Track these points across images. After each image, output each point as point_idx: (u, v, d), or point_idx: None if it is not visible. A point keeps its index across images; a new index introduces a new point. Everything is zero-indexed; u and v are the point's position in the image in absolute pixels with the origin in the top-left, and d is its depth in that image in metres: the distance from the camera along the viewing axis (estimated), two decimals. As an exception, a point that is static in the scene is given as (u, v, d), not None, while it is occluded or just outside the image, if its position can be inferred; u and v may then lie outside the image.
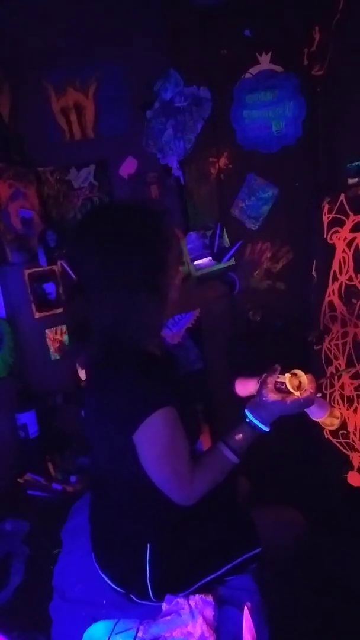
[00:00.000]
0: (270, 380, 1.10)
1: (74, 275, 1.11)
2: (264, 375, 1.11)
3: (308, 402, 1.08)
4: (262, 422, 1.09)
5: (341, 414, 1.26)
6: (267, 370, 1.12)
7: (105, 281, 1.01)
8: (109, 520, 1.22)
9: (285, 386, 1.08)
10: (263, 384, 1.10)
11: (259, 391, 1.10)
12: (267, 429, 1.09)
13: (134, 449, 1.03)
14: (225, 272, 1.63)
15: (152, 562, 1.14)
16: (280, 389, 1.10)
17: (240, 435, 1.10)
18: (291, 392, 1.08)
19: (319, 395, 1.13)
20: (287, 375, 1.09)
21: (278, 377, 1.11)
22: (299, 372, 1.09)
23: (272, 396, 1.08)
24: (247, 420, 1.09)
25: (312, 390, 1.07)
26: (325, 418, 1.20)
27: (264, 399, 1.09)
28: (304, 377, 1.09)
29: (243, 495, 1.45)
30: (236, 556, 1.19)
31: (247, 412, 1.10)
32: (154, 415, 1.00)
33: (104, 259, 1.01)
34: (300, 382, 1.09)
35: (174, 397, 1.03)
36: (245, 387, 1.25)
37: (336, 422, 1.23)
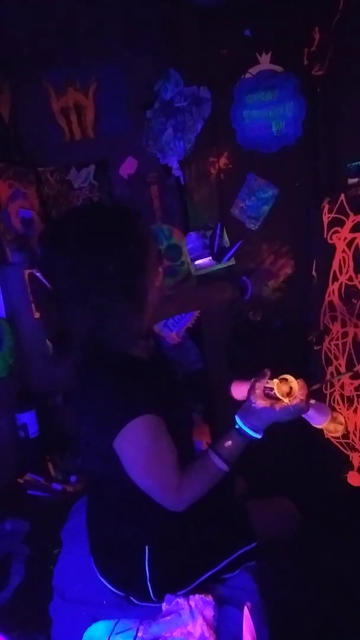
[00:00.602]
0: (259, 386, 1.05)
1: (47, 284, 1.09)
2: (252, 380, 1.07)
3: (298, 409, 1.03)
4: (252, 429, 1.05)
5: (345, 420, 1.20)
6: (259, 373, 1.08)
7: (78, 287, 0.98)
8: (105, 523, 1.22)
9: (275, 393, 1.03)
10: (251, 390, 1.06)
11: (248, 397, 1.06)
12: (258, 436, 1.05)
13: (117, 455, 1.03)
14: (237, 275, 1.59)
15: (152, 564, 1.14)
16: (269, 395, 1.04)
17: (230, 443, 1.06)
18: (280, 400, 1.03)
19: (313, 401, 1.07)
20: (276, 380, 1.04)
21: (267, 383, 1.06)
22: (289, 377, 1.04)
23: (260, 402, 1.03)
24: (237, 427, 1.06)
25: (302, 397, 1.02)
26: (327, 424, 1.15)
27: (252, 405, 1.04)
28: (294, 383, 1.03)
29: (240, 495, 1.45)
30: (232, 551, 1.19)
31: (236, 418, 1.07)
32: (131, 424, 0.98)
33: (75, 264, 0.97)
34: (290, 388, 1.03)
35: (155, 405, 1.01)
36: (240, 391, 1.21)
37: (340, 429, 1.17)
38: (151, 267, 1.04)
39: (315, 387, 1.10)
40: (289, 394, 1.03)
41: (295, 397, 1.02)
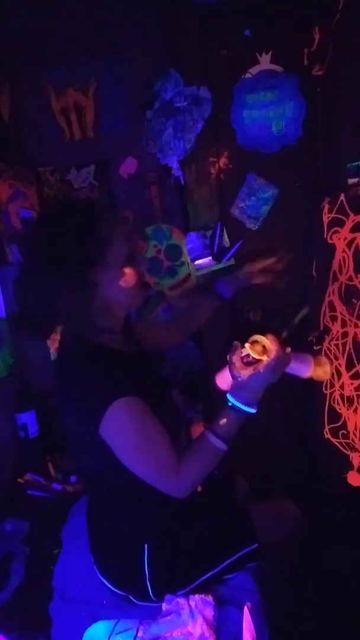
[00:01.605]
0: (236, 358, 1.08)
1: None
2: (227, 357, 1.10)
3: (280, 361, 1.06)
4: (245, 404, 1.06)
5: (328, 361, 1.22)
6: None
7: (34, 270, 1.07)
8: (104, 522, 1.23)
9: (252, 356, 1.06)
10: (231, 365, 1.08)
11: (231, 373, 1.08)
12: (253, 411, 1.07)
13: (106, 445, 1.03)
14: (218, 276, 1.56)
15: (151, 563, 1.14)
16: (249, 362, 1.07)
17: (225, 420, 1.08)
18: (260, 360, 1.05)
19: (288, 350, 1.10)
20: (247, 345, 1.07)
21: (241, 352, 1.08)
22: (258, 337, 1.08)
23: (244, 372, 1.06)
24: (230, 404, 1.07)
25: (277, 348, 1.05)
26: (314, 371, 1.18)
27: (239, 379, 1.06)
28: (264, 340, 1.07)
29: (242, 497, 1.45)
30: (234, 552, 1.19)
31: (228, 396, 1.08)
32: (111, 408, 0.99)
33: (36, 248, 1.07)
34: (263, 346, 1.06)
35: (133, 388, 1.02)
36: (225, 379, 1.22)
37: (328, 369, 1.20)
38: (110, 264, 1.07)
39: (284, 334, 1.12)
40: (264, 352, 1.06)
41: (271, 350, 1.05)
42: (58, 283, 1.03)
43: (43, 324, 1.11)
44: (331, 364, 1.67)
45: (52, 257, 1.04)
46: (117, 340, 1.16)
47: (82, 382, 1.05)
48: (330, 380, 1.68)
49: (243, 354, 1.08)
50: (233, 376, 1.08)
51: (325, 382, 1.70)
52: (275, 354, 1.05)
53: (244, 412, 1.07)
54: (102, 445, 1.03)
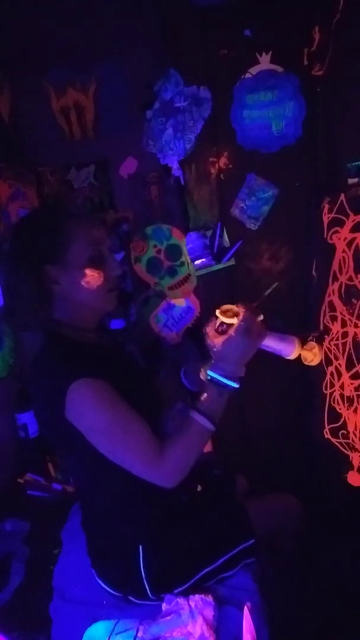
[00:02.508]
0: (210, 329, 1.12)
1: None
2: (203, 330, 1.14)
3: (250, 323, 1.08)
4: (225, 376, 1.05)
5: (317, 344, 1.28)
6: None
7: (7, 262, 1.13)
8: (97, 526, 1.23)
9: (225, 323, 1.10)
10: (207, 337, 1.12)
11: (207, 345, 1.11)
12: (233, 385, 1.06)
13: (78, 431, 1.02)
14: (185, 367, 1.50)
15: (146, 563, 1.15)
16: (223, 330, 1.11)
17: (205, 395, 1.07)
18: (231, 324, 1.09)
19: (260, 317, 1.13)
20: (218, 312, 1.12)
21: (215, 323, 1.13)
22: (227, 305, 1.12)
23: (217, 341, 1.08)
24: (209, 377, 1.07)
25: (244, 310, 1.09)
26: (299, 351, 1.21)
27: (214, 349, 1.08)
28: (233, 307, 1.12)
29: (242, 496, 1.45)
30: (230, 548, 1.19)
31: (207, 370, 1.08)
32: (72, 388, 0.99)
33: (9, 245, 1.15)
34: (233, 313, 1.11)
35: (97, 373, 1.02)
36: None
37: (317, 351, 1.25)
38: (70, 264, 1.09)
39: (254, 304, 1.15)
40: (235, 317, 1.10)
41: (239, 313, 1.09)
42: (14, 275, 1.09)
43: (22, 317, 1.14)
44: (332, 363, 1.67)
45: (11, 252, 1.12)
46: (89, 337, 1.17)
47: (44, 371, 1.07)
48: (330, 380, 1.68)
49: (217, 324, 1.13)
50: (209, 347, 1.11)
51: (325, 382, 1.70)
52: (243, 315, 1.08)
53: (224, 385, 1.06)
54: (80, 440, 1.02)
